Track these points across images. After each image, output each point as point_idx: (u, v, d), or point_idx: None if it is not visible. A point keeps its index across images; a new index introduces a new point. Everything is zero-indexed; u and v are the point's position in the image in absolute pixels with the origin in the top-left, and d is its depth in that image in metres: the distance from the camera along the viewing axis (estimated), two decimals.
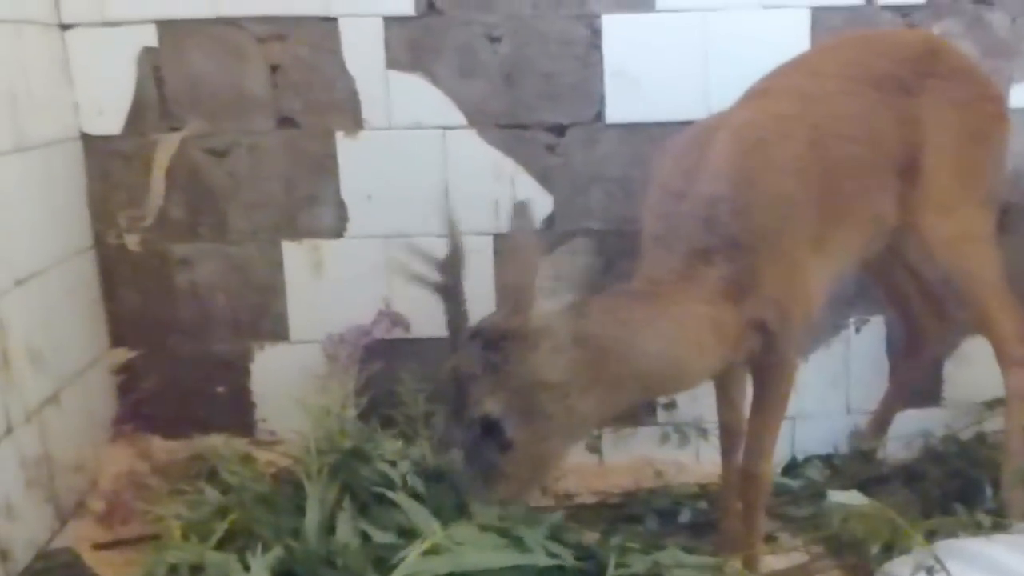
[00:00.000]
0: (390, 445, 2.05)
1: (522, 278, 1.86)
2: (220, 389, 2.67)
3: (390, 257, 2.57)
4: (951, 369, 2.76)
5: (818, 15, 2.56)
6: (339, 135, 2.57)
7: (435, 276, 1.92)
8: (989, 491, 2.41)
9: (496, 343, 1.84)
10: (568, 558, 1.79)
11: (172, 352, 2.66)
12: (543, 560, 1.77)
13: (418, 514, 1.90)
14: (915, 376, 2.67)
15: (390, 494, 1.95)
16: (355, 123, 2.56)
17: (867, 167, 2.20)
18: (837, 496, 2.23)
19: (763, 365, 2.13)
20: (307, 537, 1.87)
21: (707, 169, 2.03)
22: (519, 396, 1.86)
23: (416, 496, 1.95)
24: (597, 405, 1.92)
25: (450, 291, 1.91)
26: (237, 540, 1.91)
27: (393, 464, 2.00)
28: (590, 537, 2.06)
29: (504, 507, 1.91)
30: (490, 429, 1.86)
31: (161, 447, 2.60)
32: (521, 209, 2.07)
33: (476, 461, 1.88)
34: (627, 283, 2.03)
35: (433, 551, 1.77)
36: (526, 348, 1.84)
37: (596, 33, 2.55)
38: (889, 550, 2.19)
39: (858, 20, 2.57)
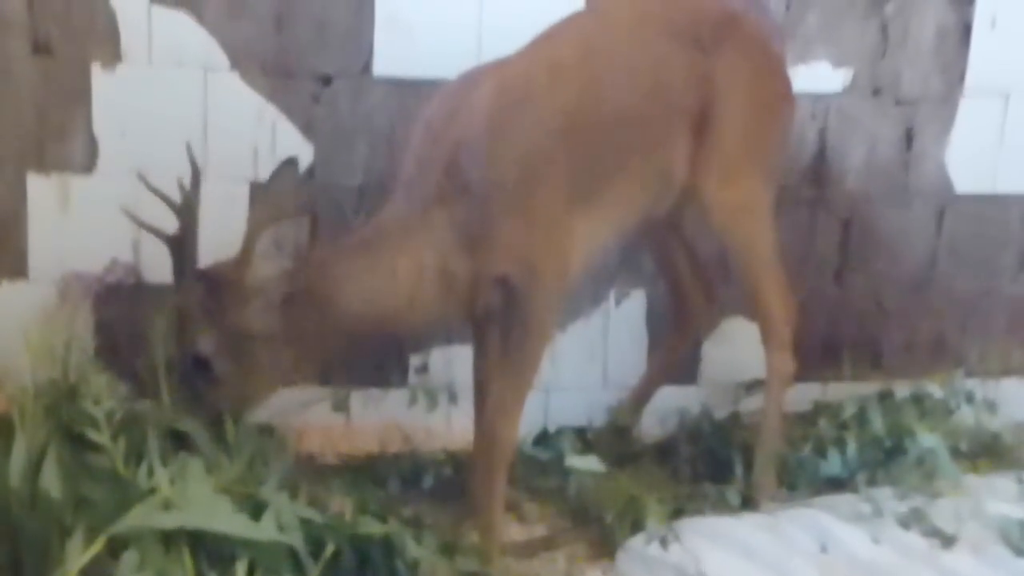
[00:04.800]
0: (96, 381, 1.95)
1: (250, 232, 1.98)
2: None
3: (138, 198, 2.43)
4: (709, 348, 2.78)
5: None
6: (95, 66, 2.43)
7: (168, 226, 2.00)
8: (740, 471, 2.43)
9: (214, 291, 1.96)
10: (297, 540, 1.76)
11: None
12: (271, 535, 1.74)
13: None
14: (678, 353, 2.66)
15: (92, 435, 1.86)
16: (113, 56, 2.43)
17: (651, 120, 2.19)
18: (574, 461, 2.24)
19: (508, 323, 2.11)
20: (8, 480, 1.77)
21: (464, 114, 2.03)
22: (230, 339, 1.98)
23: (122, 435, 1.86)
24: (305, 354, 2.05)
25: (180, 243, 1.99)
26: None
27: (97, 402, 1.90)
28: (325, 499, 2.00)
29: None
30: (201, 364, 2.01)
31: None
32: (286, 166, 2.04)
33: (190, 385, 2.04)
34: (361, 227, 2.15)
35: (162, 505, 1.73)
36: (240, 301, 1.97)
37: None
38: (636, 526, 2.19)
39: None
